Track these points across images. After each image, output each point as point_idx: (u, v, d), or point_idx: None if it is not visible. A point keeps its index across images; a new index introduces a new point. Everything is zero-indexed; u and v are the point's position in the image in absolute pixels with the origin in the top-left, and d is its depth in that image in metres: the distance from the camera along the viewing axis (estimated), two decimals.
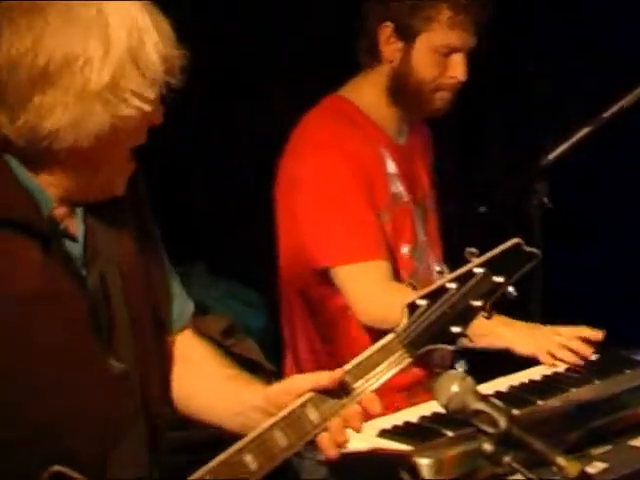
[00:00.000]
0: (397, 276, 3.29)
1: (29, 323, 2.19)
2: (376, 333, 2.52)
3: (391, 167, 3.39)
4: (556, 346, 3.06)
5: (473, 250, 2.58)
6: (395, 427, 2.70)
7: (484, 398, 2.24)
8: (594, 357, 3.19)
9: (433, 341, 2.34)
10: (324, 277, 3.32)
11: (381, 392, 3.07)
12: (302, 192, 3.32)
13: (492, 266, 2.35)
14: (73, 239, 2.30)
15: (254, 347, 3.95)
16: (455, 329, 2.34)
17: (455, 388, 2.24)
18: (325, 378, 2.27)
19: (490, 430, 2.19)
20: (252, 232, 3.28)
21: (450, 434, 2.59)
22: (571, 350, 3.06)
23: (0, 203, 2.20)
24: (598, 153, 3.93)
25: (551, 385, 2.98)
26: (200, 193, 4.42)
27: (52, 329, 2.22)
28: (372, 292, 3.23)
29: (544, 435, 2.31)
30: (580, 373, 3.08)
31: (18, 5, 2.18)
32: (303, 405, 2.26)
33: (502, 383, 3.00)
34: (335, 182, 3.27)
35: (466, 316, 2.34)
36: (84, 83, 2.15)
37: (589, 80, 4.52)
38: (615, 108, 3.66)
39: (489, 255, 2.36)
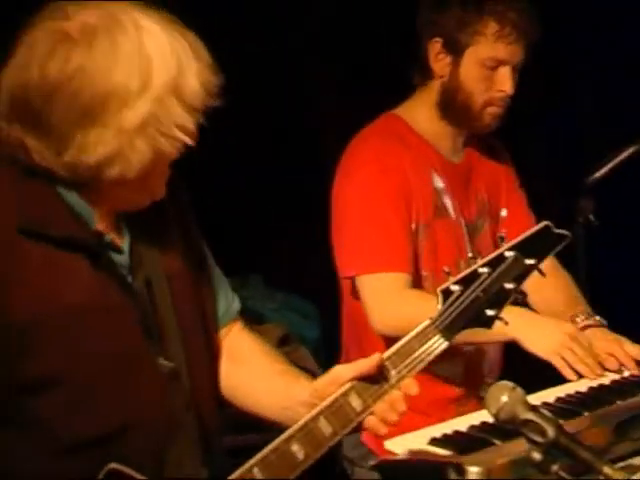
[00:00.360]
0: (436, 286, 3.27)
1: (80, 333, 2.22)
2: None
3: (439, 183, 3.37)
4: (567, 352, 3.01)
5: (503, 234, 2.59)
6: (445, 435, 2.69)
7: (533, 408, 2.24)
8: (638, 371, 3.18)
9: (468, 324, 2.34)
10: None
11: (432, 406, 3.10)
12: (342, 207, 3.33)
13: (523, 249, 2.34)
14: (119, 251, 2.32)
15: (308, 356, 3.96)
16: (490, 312, 2.34)
17: (505, 398, 2.24)
18: (365, 364, 2.29)
19: (539, 439, 2.19)
20: (308, 246, 3.28)
21: (499, 443, 2.57)
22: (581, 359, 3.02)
23: (40, 220, 2.21)
24: None
25: (597, 397, 2.96)
26: (260, 209, 4.42)
27: (103, 338, 2.24)
28: (388, 302, 3.20)
29: (590, 445, 2.33)
30: (625, 385, 3.06)
31: (65, 35, 2.17)
32: (345, 394, 2.28)
33: (549, 394, 2.97)
34: (369, 198, 3.26)
35: (500, 299, 2.34)
36: (122, 119, 2.14)
37: (635, 98, 4.48)
38: None
39: (519, 239, 2.36)
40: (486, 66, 3.28)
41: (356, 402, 2.28)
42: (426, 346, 2.31)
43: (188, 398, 2.34)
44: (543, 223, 2.37)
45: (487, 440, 2.60)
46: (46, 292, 2.20)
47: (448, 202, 3.38)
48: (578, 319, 3.30)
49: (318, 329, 3.94)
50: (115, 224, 2.32)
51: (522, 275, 2.34)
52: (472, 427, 2.73)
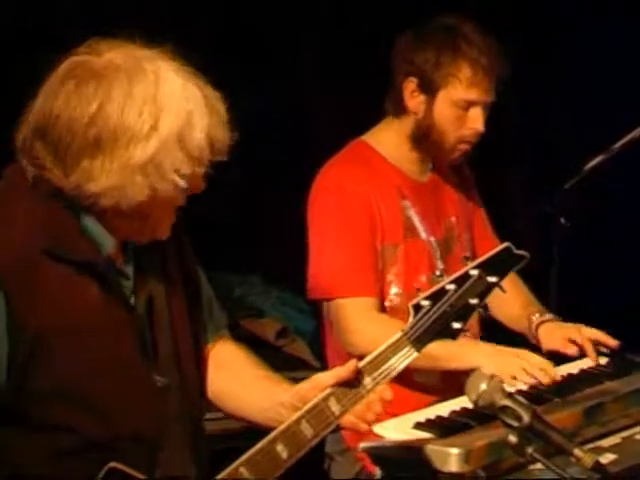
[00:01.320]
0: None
1: (86, 348, 2.22)
2: None
3: (407, 204, 3.30)
4: (518, 370, 2.97)
5: (468, 254, 2.61)
6: (428, 420, 2.70)
7: (509, 395, 2.24)
8: (605, 361, 3.19)
9: (437, 336, 2.34)
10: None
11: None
12: (310, 230, 3.27)
13: (486, 268, 2.35)
14: (126, 276, 2.32)
15: (304, 347, 3.96)
16: (456, 325, 2.34)
17: (484, 386, 2.25)
18: (342, 371, 2.29)
19: (515, 424, 2.20)
20: (303, 248, 3.27)
21: (478, 427, 2.58)
22: (531, 375, 2.96)
23: (64, 244, 2.21)
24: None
25: (567, 384, 2.96)
26: (260, 216, 4.43)
27: (105, 353, 2.24)
28: (357, 325, 3.15)
29: (562, 429, 2.33)
30: (592, 374, 3.07)
31: (91, 71, 2.17)
32: (325, 399, 2.28)
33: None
34: (336, 223, 3.20)
35: (465, 313, 2.34)
36: (129, 156, 2.13)
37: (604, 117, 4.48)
38: (624, 141, 3.66)
39: (483, 259, 2.37)
40: (459, 106, 3.20)
41: (335, 407, 2.28)
42: (398, 355, 2.31)
43: (178, 410, 2.35)
44: (504, 244, 2.38)
45: (467, 424, 2.61)
46: (59, 307, 2.20)
47: (417, 222, 3.30)
48: (534, 317, 3.30)
49: (312, 322, 3.93)
50: (123, 250, 2.32)
51: (485, 291, 2.35)
52: (453, 412, 2.74)
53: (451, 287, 2.33)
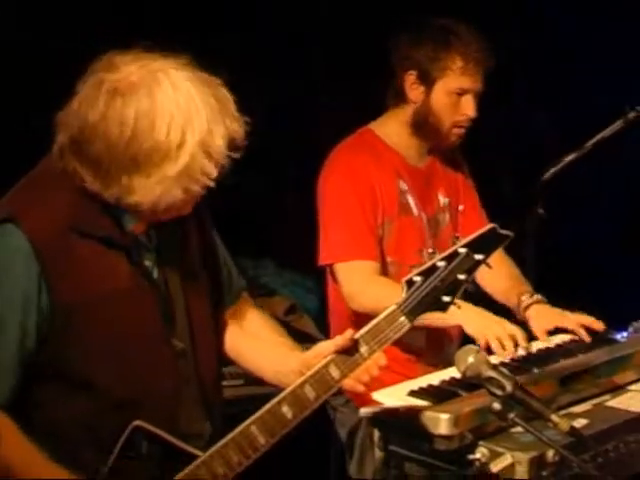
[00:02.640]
0: (405, 272, 3.27)
1: (113, 315, 2.22)
2: None
3: (403, 184, 3.32)
4: (493, 336, 2.95)
5: (458, 235, 2.61)
6: (421, 388, 2.71)
7: (494, 367, 2.25)
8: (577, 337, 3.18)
9: (428, 309, 2.33)
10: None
11: (400, 367, 3.10)
12: (320, 208, 3.30)
13: (473, 246, 2.33)
14: (148, 249, 2.32)
15: (310, 323, 3.96)
16: (446, 298, 2.33)
17: (471, 359, 2.25)
18: (340, 339, 2.29)
19: (498, 392, 2.20)
20: (313, 232, 3.28)
21: (465, 395, 2.58)
22: (502, 345, 2.94)
23: (87, 222, 2.21)
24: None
25: (544, 357, 2.96)
26: (274, 206, 4.42)
27: (130, 320, 2.25)
28: (359, 286, 3.17)
29: (540, 396, 2.34)
30: (567, 348, 3.06)
31: (114, 90, 2.14)
32: (326, 365, 2.28)
33: (505, 355, 2.96)
34: (340, 200, 3.23)
35: (454, 288, 2.33)
36: (164, 171, 2.13)
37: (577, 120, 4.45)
38: (595, 139, 3.65)
39: (470, 238, 2.35)
40: (453, 94, 3.25)
41: (335, 372, 2.29)
42: (393, 326, 2.31)
43: (192, 372, 2.35)
44: (490, 225, 2.36)
45: (456, 392, 2.62)
46: (88, 279, 2.20)
47: (411, 201, 3.33)
48: (523, 297, 3.28)
49: (318, 300, 3.94)
50: (146, 228, 2.32)
51: (472, 268, 2.33)
52: (443, 382, 2.75)
53: (441, 264, 2.31)
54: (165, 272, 2.33)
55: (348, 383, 2.34)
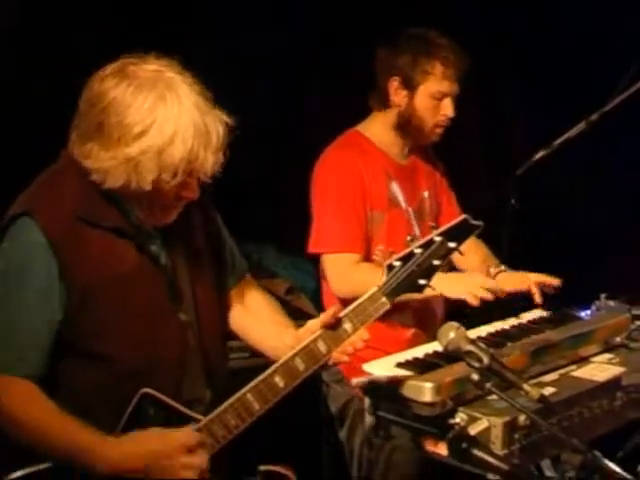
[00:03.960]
0: None
1: (124, 295, 2.24)
2: None
3: (392, 181, 3.31)
4: (476, 288, 2.98)
5: (433, 224, 2.61)
6: (407, 360, 2.71)
7: (472, 341, 2.26)
8: (547, 314, 3.19)
9: (406, 290, 2.34)
10: None
11: (390, 346, 3.09)
12: (313, 201, 3.28)
13: (447, 235, 2.34)
14: (153, 236, 2.32)
15: (307, 302, 3.96)
16: (422, 281, 2.35)
17: (452, 334, 2.26)
18: (326, 315, 2.31)
19: (476, 364, 2.21)
20: (308, 221, 3.27)
21: (447, 366, 2.58)
22: (489, 290, 2.99)
23: (98, 215, 2.23)
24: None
25: (516, 332, 2.96)
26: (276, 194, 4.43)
27: (140, 298, 2.26)
28: (344, 277, 3.16)
29: (513, 367, 2.34)
30: (537, 324, 3.07)
31: (118, 69, 2.17)
32: (315, 340, 2.31)
33: (482, 331, 2.98)
34: (331, 195, 3.22)
35: (429, 272, 2.34)
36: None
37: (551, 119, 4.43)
38: (562, 139, 3.66)
39: (445, 228, 2.36)
40: (434, 98, 3.24)
41: (322, 346, 2.31)
42: (374, 306, 2.32)
43: (196, 343, 2.36)
44: (462, 216, 2.36)
45: (438, 364, 2.62)
46: (100, 266, 2.22)
47: (399, 195, 3.32)
48: (491, 269, 3.30)
49: (314, 281, 3.93)
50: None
51: (446, 254, 2.34)
52: (427, 354, 2.75)
53: (418, 251, 2.32)
54: (172, 255, 2.34)
55: (335, 355, 2.35)
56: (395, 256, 2.34)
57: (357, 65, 3.54)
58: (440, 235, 2.33)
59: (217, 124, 2.17)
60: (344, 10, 4.46)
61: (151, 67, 2.18)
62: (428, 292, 2.42)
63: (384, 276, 2.32)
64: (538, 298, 3.18)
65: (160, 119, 2.12)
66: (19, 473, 2.17)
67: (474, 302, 2.99)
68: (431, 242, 2.33)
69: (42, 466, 2.17)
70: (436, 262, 2.33)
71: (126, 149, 2.12)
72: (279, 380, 2.27)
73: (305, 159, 3.38)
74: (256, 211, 4.31)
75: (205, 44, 3.99)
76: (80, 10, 3.80)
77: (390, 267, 2.33)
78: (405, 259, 2.32)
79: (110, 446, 2.15)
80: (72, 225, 2.19)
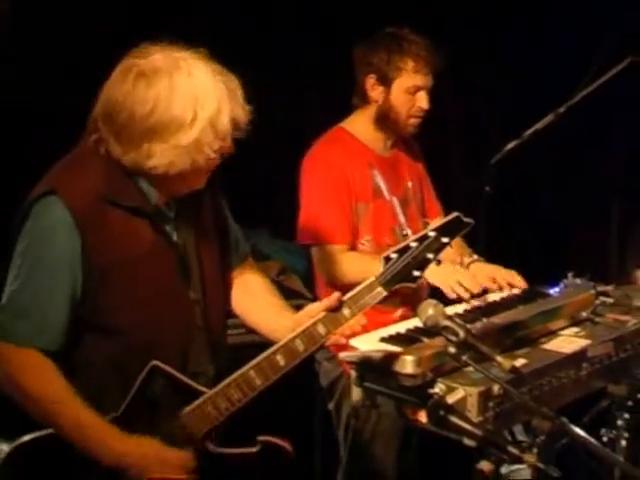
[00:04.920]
0: (380, 249, 3.24)
1: (140, 273, 2.24)
2: None
3: (375, 173, 3.29)
4: (455, 282, 2.99)
5: (427, 220, 2.61)
6: (390, 335, 2.71)
7: (449, 317, 2.26)
8: (519, 291, 3.19)
9: (401, 281, 2.34)
10: None
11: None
12: (301, 193, 3.27)
13: (441, 231, 2.34)
14: (169, 218, 2.32)
15: (298, 282, 3.94)
16: (416, 273, 2.35)
17: (431, 311, 2.26)
18: (328, 301, 2.32)
19: (453, 339, 2.22)
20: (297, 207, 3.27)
21: (427, 340, 2.59)
22: (464, 287, 2.99)
23: (119, 194, 2.22)
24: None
25: (491, 309, 2.96)
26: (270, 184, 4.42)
27: (154, 276, 2.26)
28: (332, 266, 3.17)
29: (487, 341, 2.35)
30: (508, 301, 3.06)
31: (141, 72, 2.16)
32: (315, 323, 2.31)
33: (459, 308, 2.99)
34: (318, 189, 3.21)
35: (423, 264, 2.34)
36: (178, 140, 2.14)
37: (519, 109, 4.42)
38: (532, 130, 3.67)
39: (439, 223, 2.36)
40: (409, 92, 3.22)
41: (322, 329, 2.31)
42: (371, 294, 2.32)
43: (202, 320, 2.36)
44: (455, 214, 2.37)
45: (419, 339, 2.62)
46: (120, 244, 2.21)
47: (383, 186, 3.30)
48: (465, 258, 3.29)
49: (305, 263, 3.92)
50: (167, 200, 2.32)
51: (439, 248, 2.34)
52: (408, 330, 2.75)
53: (414, 244, 2.33)
54: (182, 236, 2.33)
55: (333, 337, 2.36)
56: (392, 249, 2.34)
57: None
58: (434, 230, 2.34)
59: (234, 81, 2.21)
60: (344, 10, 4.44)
61: (159, 55, 2.19)
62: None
63: (381, 267, 2.32)
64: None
65: (201, 96, 2.14)
66: (26, 437, 2.17)
67: (450, 295, 3.00)
68: (426, 237, 2.33)
69: (47, 432, 2.18)
70: (430, 255, 2.33)
71: (185, 135, 2.14)
72: (280, 359, 2.27)
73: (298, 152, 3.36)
74: (251, 200, 4.29)
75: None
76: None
77: (387, 259, 2.33)
78: (401, 252, 2.33)
79: (116, 438, 2.18)
80: (96, 205, 2.19)
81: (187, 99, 2.14)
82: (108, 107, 2.18)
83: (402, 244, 2.34)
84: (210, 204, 2.41)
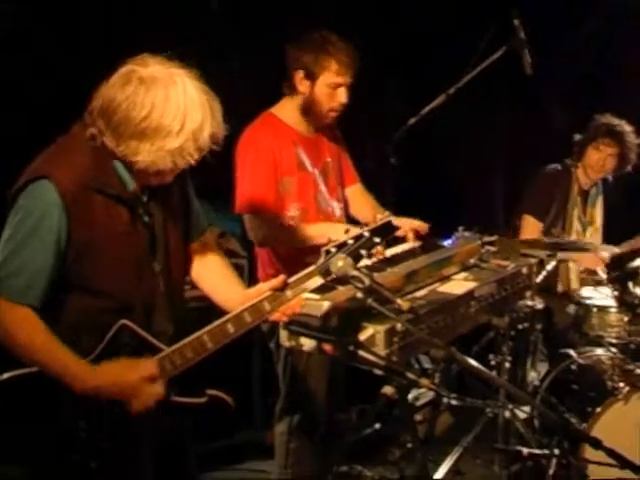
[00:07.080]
0: (307, 214, 3.22)
1: (115, 248, 2.23)
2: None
3: (299, 150, 3.25)
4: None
5: (366, 222, 2.56)
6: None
7: (357, 268, 2.26)
8: (418, 243, 3.20)
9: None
10: None
11: None
12: (236, 170, 3.22)
13: (374, 232, 2.34)
14: (142, 203, 2.30)
15: (236, 244, 3.92)
16: None
17: (340, 263, 2.26)
18: (275, 282, 2.33)
19: (360, 286, 2.22)
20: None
21: (341, 288, 2.59)
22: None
23: (104, 183, 2.21)
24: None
25: (394, 260, 2.92)
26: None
27: (127, 251, 2.25)
28: (261, 231, 3.13)
29: (390, 287, 2.36)
30: (410, 252, 3.03)
31: (140, 78, 2.13)
32: (261, 300, 2.31)
33: (367, 261, 2.92)
34: (247, 165, 3.17)
35: (357, 259, 2.32)
36: (164, 145, 2.13)
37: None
38: (427, 109, 3.68)
39: (373, 226, 2.36)
40: (331, 88, 3.18)
41: (267, 306, 2.31)
42: (311, 281, 2.32)
43: (165, 287, 2.34)
44: (388, 218, 2.37)
45: (333, 287, 2.61)
46: (100, 225, 2.20)
47: (306, 161, 3.26)
48: (378, 215, 3.27)
49: (241, 228, 3.90)
50: (142, 187, 2.29)
51: (371, 247, 2.33)
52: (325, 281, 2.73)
53: (350, 242, 2.31)
54: (153, 217, 2.32)
55: (276, 315, 2.37)
56: (332, 244, 2.32)
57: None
58: (369, 231, 2.33)
59: (216, 100, 2.19)
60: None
61: (158, 67, 2.16)
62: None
63: (322, 259, 2.30)
64: (412, 241, 3.17)
65: (189, 111, 2.13)
66: (6, 375, 2.15)
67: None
68: (361, 236, 2.32)
69: (29, 370, 2.16)
70: (363, 251, 2.32)
71: (171, 141, 2.12)
72: (230, 327, 2.27)
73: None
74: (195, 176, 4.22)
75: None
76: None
77: (327, 252, 2.31)
78: (339, 247, 2.31)
79: (89, 375, 2.18)
80: (83, 190, 2.17)
81: (178, 111, 2.12)
82: (107, 104, 2.15)
83: (340, 241, 2.32)
84: (178, 188, 2.39)
